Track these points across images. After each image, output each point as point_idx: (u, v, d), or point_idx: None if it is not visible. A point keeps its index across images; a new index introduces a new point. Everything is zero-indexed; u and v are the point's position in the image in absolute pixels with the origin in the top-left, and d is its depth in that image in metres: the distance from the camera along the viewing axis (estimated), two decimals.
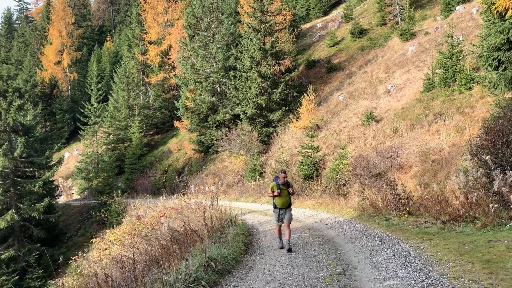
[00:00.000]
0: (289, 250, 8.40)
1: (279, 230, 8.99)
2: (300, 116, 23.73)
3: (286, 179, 8.58)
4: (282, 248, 8.76)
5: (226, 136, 26.10)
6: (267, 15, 26.47)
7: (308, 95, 23.44)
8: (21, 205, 22.59)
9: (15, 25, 73.02)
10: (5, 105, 23.56)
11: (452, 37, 18.02)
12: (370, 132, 19.20)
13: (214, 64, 28.53)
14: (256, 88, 24.61)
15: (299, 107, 24.09)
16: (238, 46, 27.51)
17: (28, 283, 20.71)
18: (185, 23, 30.58)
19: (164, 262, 6.64)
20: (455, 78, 17.36)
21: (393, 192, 11.44)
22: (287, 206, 8.68)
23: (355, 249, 8.24)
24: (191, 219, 10.80)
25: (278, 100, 25.23)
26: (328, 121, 23.04)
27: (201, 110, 28.75)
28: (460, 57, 17.60)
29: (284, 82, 25.04)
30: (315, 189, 17.67)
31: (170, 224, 11.06)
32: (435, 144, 14.95)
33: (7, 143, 22.93)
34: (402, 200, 10.93)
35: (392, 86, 22.49)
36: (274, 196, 8.58)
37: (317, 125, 22.80)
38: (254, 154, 23.25)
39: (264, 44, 25.70)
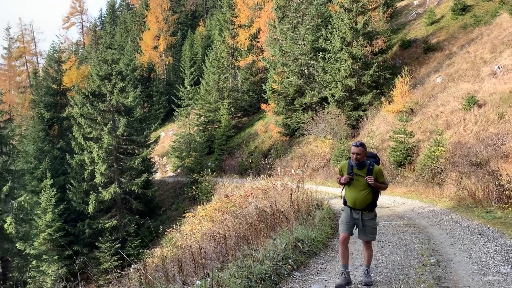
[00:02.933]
0: (367, 285, 5.19)
1: (344, 246, 5.28)
2: (392, 100, 22.60)
3: (361, 158, 5.11)
4: (343, 286, 5.03)
5: (313, 119, 25.85)
6: None
7: (402, 77, 22.19)
8: (123, 180, 24.67)
9: (117, 13, 78.68)
10: (110, 87, 25.69)
11: None
12: (471, 118, 17.69)
13: (303, 46, 28.20)
14: (346, 69, 23.89)
15: (392, 90, 22.93)
16: (328, 27, 26.85)
17: (128, 251, 22.70)
18: (275, 5, 30.53)
19: (253, 239, 6.81)
20: None
21: (496, 183, 10.52)
22: (365, 207, 5.17)
23: (451, 240, 7.76)
24: (277, 200, 10.90)
25: (369, 82, 24.27)
26: (424, 105, 21.65)
27: (288, 93, 28.73)
28: None
29: (376, 64, 23.97)
30: (407, 176, 16.85)
31: (257, 204, 11.29)
32: None
33: (111, 122, 25.07)
34: (507, 192, 10.01)
35: (498, 67, 20.40)
36: (342, 184, 5.27)
37: (411, 109, 21.56)
38: (341, 138, 22.75)
39: (356, 24, 24.74)
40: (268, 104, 31.30)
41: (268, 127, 33.28)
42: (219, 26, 43.77)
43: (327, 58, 25.48)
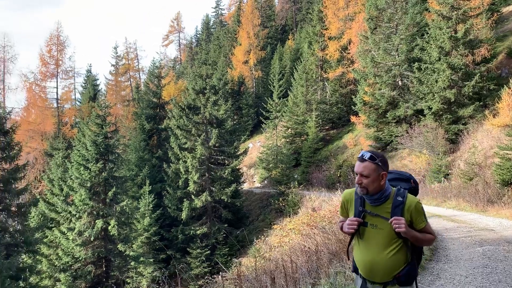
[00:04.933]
0: None
1: None
2: (498, 112, 20.69)
3: (369, 184, 2.79)
4: None
5: (407, 132, 24.68)
6: (461, 0, 23.83)
7: (509, 88, 20.26)
8: (213, 189, 25.63)
9: (211, 30, 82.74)
10: (204, 100, 26.99)
11: None
12: None
13: (396, 56, 27.15)
14: (444, 80, 22.47)
15: (497, 102, 21.02)
16: (424, 36, 25.57)
17: (217, 258, 23.41)
18: (367, 15, 29.87)
19: (344, 256, 6.61)
20: None
21: None
22: (391, 278, 2.79)
23: None
24: None
25: (470, 94, 22.54)
26: None
27: (380, 105, 27.76)
28: None
29: (478, 74, 22.22)
30: None
31: None
32: None
33: (204, 134, 26.31)
34: None
35: None
36: (349, 234, 2.95)
37: None
38: (439, 154, 21.35)
39: (456, 32, 23.21)
40: (358, 116, 30.52)
41: (358, 140, 32.40)
42: (308, 38, 43.91)
43: (423, 69, 24.22)
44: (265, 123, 38.19)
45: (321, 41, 39.96)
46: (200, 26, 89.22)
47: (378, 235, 2.79)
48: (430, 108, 23.46)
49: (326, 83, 39.78)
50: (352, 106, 32.14)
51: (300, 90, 39.18)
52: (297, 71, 40.72)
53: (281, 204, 27.15)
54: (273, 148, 35.22)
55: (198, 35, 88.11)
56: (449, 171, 20.65)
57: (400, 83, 27.40)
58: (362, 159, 2.82)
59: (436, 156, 21.47)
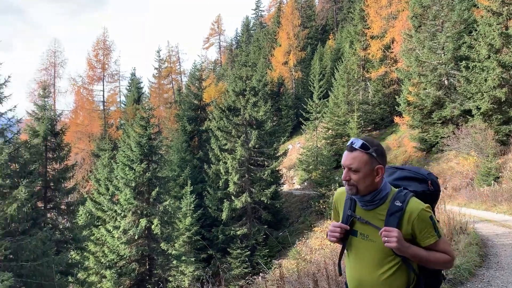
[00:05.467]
0: None
1: None
2: None
3: (358, 180, 2.12)
4: None
5: (454, 133, 23.76)
6: None
7: None
8: (253, 190, 25.72)
9: (251, 31, 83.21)
10: (243, 102, 27.16)
11: None
12: None
13: (442, 55, 26.19)
14: (494, 79, 21.44)
15: None
16: (472, 34, 24.54)
17: (257, 259, 23.46)
18: (411, 13, 29.03)
19: None
20: None
21: None
22: None
23: None
24: None
25: None
26: None
27: (425, 105, 26.86)
28: None
29: None
30: None
31: None
32: None
33: (244, 135, 26.47)
34: None
35: None
36: (340, 243, 2.30)
37: None
38: (488, 156, 20.39)
39: (507, 29, 22.11)
40: (402, 117, 29.69)
41: (401, 141, 31.54)
42: (349, 38, 43.25)
43: (471, 67, 23.23)
44: (305, 124, 37.92)
45: (363, 41, 39.25)
46: (240, 28, 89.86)
47: (370, 248, 2.14)
48: (478, 108, 22.47)
49: (368, 83, 39.01)
50: (395, 107, 31.32)
51: (341, 91, 38.62)
52: (338, 71, 40.19)
53: (321, 206, 26.83)
54: (313, 149, 34.88)
55: (238, 37, 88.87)
56: (500, 174, 19.66)
57: (446, 82, 26.42)
58: (351, 148, 2.15)
59: (485, 158, 20.52)
